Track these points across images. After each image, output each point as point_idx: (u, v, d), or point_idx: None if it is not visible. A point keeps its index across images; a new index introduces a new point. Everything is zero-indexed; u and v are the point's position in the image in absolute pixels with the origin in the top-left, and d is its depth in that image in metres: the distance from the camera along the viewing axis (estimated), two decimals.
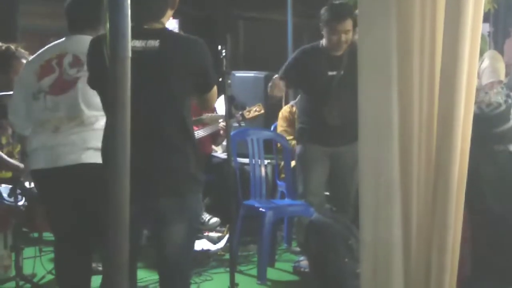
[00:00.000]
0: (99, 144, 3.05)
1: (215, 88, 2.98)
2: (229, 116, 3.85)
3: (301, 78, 4.89)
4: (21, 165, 4.45)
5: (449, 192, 2.18)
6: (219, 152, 6.36)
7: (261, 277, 4.54)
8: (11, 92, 3.96)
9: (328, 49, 4.77)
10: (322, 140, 4.83)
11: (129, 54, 1.95)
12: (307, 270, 4.63)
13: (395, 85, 2.08)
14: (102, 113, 3.13)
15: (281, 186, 5.71)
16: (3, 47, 4.33)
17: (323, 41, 4.80)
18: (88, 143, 3.27)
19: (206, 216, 5.71)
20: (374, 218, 2.09)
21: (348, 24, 4.66)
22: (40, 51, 3.59)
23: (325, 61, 4.77)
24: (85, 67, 3.26)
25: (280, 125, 6.08)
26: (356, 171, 4.74)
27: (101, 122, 3.21)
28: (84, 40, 3.28)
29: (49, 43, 3.58)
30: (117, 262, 1.94)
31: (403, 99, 2.10)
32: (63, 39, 3.54)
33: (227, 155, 4.03)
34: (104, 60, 2.00)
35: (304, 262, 4.69)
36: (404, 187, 2.11)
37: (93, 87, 2.97)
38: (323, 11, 4.75)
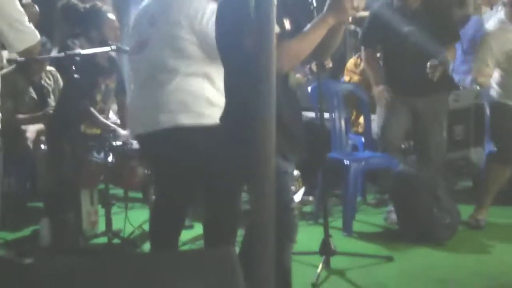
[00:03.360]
0: (175, 106, 3.15)
1: None
2: (321, 69, 3.70)
3: (379, 39, 4.86)
4: (112, 126, 4.48)
5: None
6: None
7: (347, 229, 4.53)
8: (104, 49, 3.99)
9: (400, 5, 4.68)
10: (402, 92, 4.78)
11: (275, 2, 1.92)
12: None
13: None
14: (174, 73, 3.17)
15: (352, 138, 5.65)
16: (88, 5, 4.31)
17: None
18: (167, 105, 3.20)
19: None
20: None
21: None
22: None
23: (400, 17, 4.68)
24: (155, 27, 3.23)
25: (347, 78, 6.05)
26: (438, 123, 4.77)
27: (174, 83, 3.19)
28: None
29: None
30: (263, 218, 1.93)
31: None
32: None
33: (319, 109, 3.92)
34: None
35: (393, 214, 4.62)
36: None
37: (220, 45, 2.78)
38: None
